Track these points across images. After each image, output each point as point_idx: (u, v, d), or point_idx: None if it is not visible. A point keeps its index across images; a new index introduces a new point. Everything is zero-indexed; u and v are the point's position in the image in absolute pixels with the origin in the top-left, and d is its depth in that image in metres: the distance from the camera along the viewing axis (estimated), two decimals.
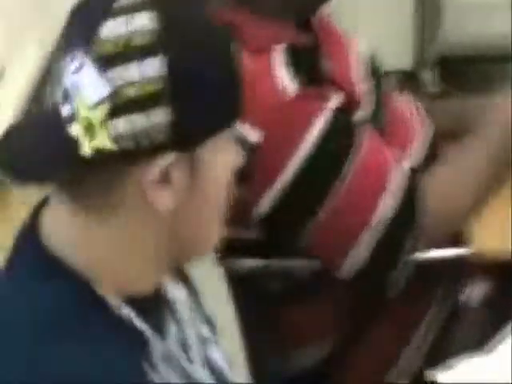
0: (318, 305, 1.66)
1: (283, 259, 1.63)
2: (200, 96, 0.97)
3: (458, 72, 3.08)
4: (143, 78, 0.95)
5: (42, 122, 1.03)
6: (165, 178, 0.97)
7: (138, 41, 0.97)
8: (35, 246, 1.06)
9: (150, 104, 0.95)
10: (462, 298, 1.65)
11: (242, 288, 1.48)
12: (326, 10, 1.61)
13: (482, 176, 1.56)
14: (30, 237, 1.07)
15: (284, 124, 1.45)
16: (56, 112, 0.97)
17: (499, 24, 3.03)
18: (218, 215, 1.04)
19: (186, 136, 0.98)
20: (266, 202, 1.48)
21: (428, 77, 3.08)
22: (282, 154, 1.47)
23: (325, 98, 1.50)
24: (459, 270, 1.68)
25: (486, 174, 1.56)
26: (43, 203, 1.09)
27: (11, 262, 1.09)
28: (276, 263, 1.62)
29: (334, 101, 1.51)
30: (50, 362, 0.97)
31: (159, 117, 0.96)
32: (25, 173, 1.01)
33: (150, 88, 0.96)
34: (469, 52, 3.18)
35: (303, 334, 1.68)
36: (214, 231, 1.05)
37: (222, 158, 1.00)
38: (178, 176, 0.97)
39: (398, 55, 3.07)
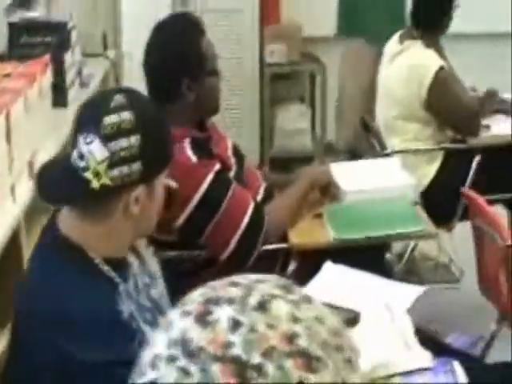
0: (207, 276, 2.59)
1: (190, 251, 2.43)
2: (157, 157, 1.58)
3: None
4: (128, 147, 1.51)
5: (67, 168, 1.54)
6: (137, 199, 1.56)
7: (125, 126, 1.51)
8: (55, 231, 1.60)
9: (131, 160, 1.51)
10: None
11: (166, 267, 1.95)
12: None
13: (291, 208, 2.51)
14: (51, 227, 1.61)
15: (189, 179, 2.31)
16: (76, 164, 1.52)
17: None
18: (157, 214, 1.68)
19: (149, 177, 1.58)
20: (180, 220, 2.34)
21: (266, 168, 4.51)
22: (189, 195, 2.30)
23: (212, 165, 2.38)
24: (284, 254, 2.56)
25: (293, 207, 2.51)
26: (57, 210, 1.63)
27: (40, 240, 1.64)
28: (186, 253, 2.44)
29: (217, 166, 2.39)
30: (64, 291, 1.50)
31: (135, 167, 1.53)
32: (55, 198, 1.59)
33: (131, 152, 1.51)
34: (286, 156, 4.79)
35: None
36: (154, 222, 1.68)
37: (160, 185, 1.63)
38: (143, 197, 1.57)
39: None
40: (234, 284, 0.81)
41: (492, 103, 3.66)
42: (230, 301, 0.78)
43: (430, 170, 3.48)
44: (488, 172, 3.44)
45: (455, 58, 3.70)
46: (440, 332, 3.37)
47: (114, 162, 1.51)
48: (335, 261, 2.33)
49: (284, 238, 2.57)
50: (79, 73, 3.04)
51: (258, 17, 4.76)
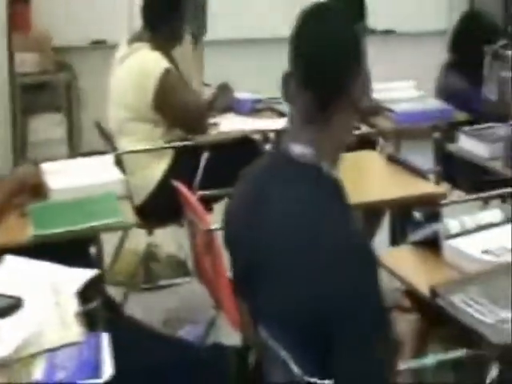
0: None
1: None
2: None
3: None
4: None
5: None
6: None
7: None
8: None
9: None
10: None
11: None
12: None
13: None
14: None
15: None
16: None
17: None
18: None
19: None
20: None
21: None
22: None
23: None
24: None
25: None
26: None
27: None
28: None
29: None
30: None
31: None
32: None
33: None
34: None
35: None
36: None
37: None
38: None
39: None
40: None
41: (224, 97, 3.81)
42: None
43: (160, 169, 3.57)
44: (217, 168, 3.56)
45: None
46: (175, 327, 3.50)
47: None
48: (40, 257, 2.30)
49: None
50: None
51: (6, 25, 4.71)
